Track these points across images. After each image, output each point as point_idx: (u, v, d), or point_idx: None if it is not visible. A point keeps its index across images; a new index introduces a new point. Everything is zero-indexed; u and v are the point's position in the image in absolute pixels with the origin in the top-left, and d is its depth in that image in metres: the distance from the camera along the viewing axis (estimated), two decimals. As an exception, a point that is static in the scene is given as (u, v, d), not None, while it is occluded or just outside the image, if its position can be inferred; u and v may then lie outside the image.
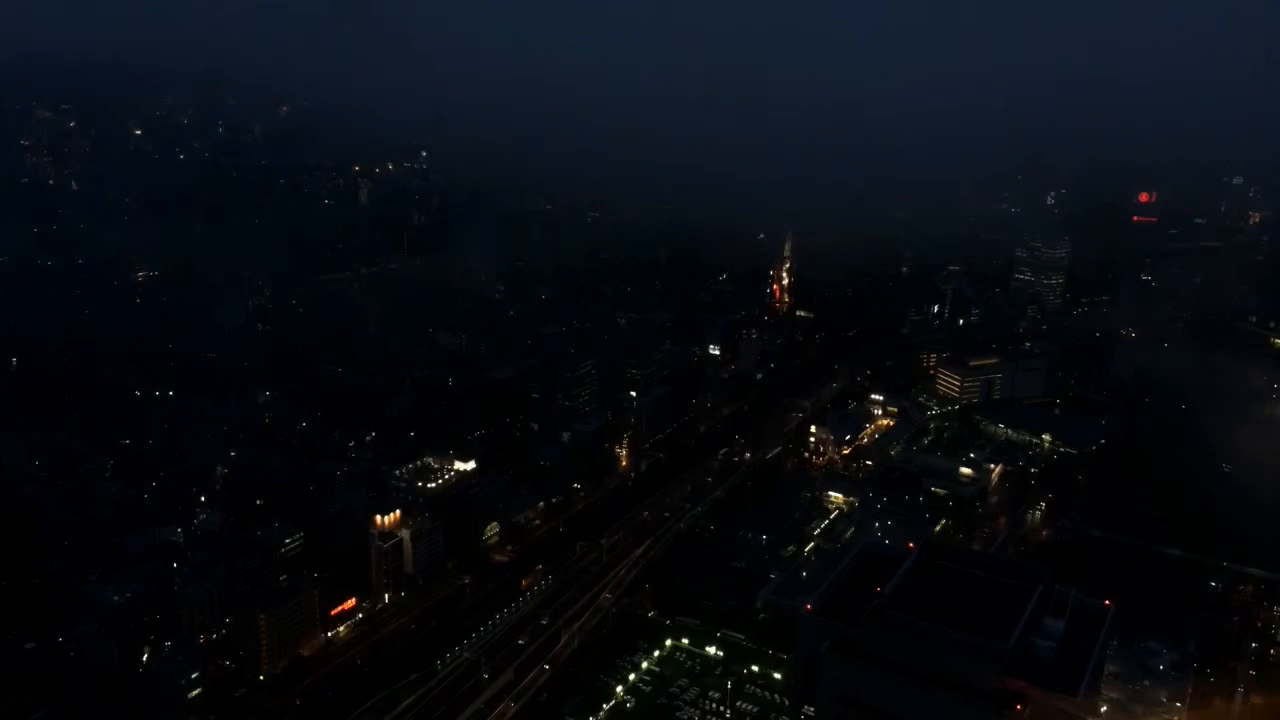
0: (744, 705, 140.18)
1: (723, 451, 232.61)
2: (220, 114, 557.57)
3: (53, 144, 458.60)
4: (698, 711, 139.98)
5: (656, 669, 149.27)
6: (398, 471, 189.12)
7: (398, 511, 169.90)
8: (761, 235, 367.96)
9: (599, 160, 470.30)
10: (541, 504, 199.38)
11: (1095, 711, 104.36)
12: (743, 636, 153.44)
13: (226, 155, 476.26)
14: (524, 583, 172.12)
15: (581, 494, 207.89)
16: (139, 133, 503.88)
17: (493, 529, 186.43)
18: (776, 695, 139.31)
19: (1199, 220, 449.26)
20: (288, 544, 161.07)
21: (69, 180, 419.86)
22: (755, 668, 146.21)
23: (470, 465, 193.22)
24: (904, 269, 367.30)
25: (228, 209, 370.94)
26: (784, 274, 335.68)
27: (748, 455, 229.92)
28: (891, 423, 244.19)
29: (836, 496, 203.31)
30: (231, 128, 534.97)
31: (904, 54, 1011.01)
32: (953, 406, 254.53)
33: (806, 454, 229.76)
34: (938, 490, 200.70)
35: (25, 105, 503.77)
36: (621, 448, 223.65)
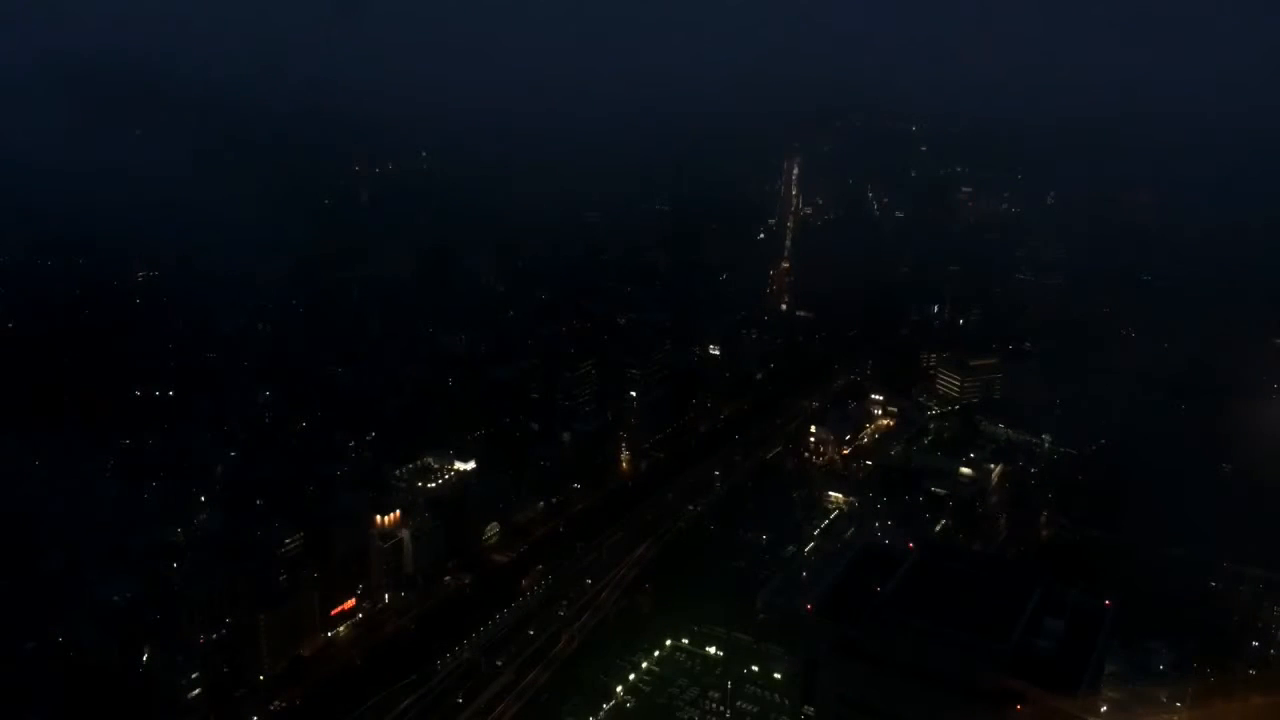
0: (744, 705, 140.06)
1: (722, 451, 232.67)
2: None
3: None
4: (698, 711, 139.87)
5: (656, 669, 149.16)
6: (398, 471, 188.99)
7: (398, 511, 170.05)
8: (761, 235, 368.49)
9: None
10: (541, 504, 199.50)
11: (1095, 711, 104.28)
12: (743, 637, 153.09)
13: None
14: (524, 582, 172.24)
15: (581, 494, 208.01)
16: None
17: (493, 529, 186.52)
18: (776, 695, 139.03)
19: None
20: (288, 544, 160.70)
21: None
22: (755, 668, 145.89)
23: (470, 465, 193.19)
24: (904, 269, 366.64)
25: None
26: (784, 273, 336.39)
27: (748, 455, 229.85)
28: (891, 423, 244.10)
29: (836, 496, 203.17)
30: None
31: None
32: (953, 406, 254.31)
33: (806, 454, 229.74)
34: (937, 490, 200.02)
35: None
36: (621, 447, 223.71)
